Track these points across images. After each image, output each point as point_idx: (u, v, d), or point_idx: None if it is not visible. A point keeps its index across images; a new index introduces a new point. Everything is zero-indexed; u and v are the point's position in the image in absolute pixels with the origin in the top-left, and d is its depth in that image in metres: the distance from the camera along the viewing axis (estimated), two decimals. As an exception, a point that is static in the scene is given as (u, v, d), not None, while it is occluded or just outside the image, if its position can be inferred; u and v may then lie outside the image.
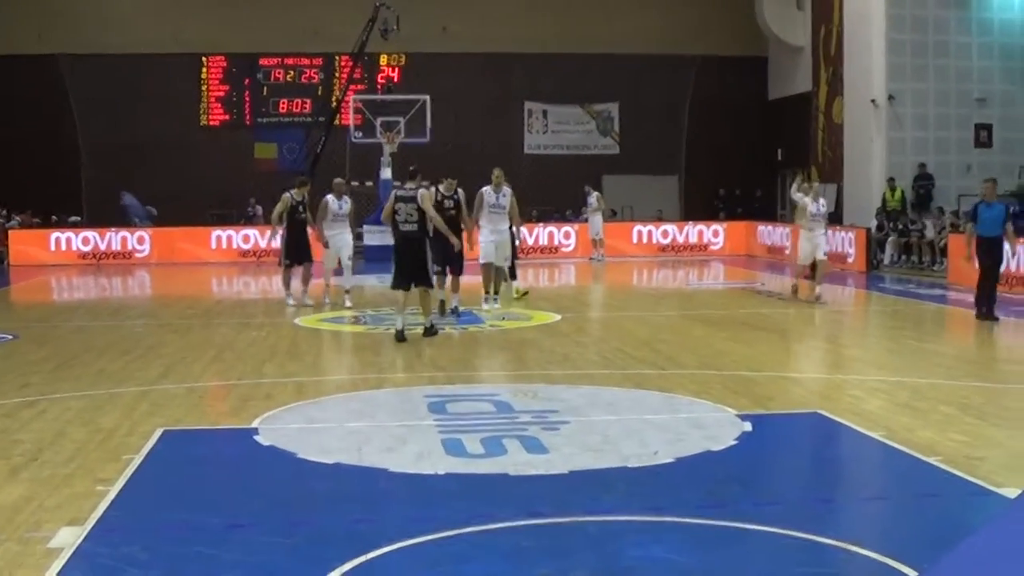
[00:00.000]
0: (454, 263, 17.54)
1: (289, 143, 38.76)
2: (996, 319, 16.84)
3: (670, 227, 35.17)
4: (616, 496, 7.63)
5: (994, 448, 8.85)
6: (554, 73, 38.87)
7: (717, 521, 6.93)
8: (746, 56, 38.95)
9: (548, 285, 25.92)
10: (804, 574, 6.24)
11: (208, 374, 13.20)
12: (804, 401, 11.06)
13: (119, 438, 9.40)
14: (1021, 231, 21.32)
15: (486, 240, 18.38)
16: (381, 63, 38.95)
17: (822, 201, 20.43)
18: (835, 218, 28.56)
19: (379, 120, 33.75)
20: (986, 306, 17.01)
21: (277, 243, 20.54)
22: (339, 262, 19.65)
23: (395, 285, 15.27)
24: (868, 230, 28.24)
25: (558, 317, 18.05)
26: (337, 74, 38.96)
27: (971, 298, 19.87)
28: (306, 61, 39.60)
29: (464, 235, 17.55)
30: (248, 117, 39.50)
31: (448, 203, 17.39)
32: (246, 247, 33.70)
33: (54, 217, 35.93)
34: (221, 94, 39.34)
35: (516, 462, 8.40)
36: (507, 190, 18.40)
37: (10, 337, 16.42)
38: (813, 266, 21.63)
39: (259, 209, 36.05)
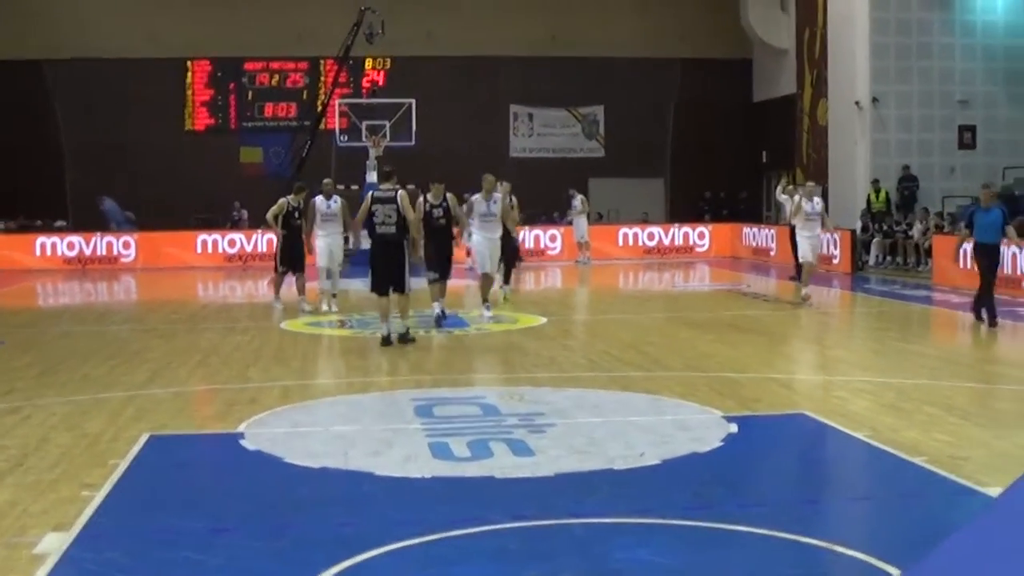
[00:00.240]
0: (445, 269, 17.31)
1: (275, 147, 38.72)
2: (996, 324, 16.34)
3: (656, 229, 35.20)
4: (602, 498, 7.63)
5: (978, 448, 8.89)
6: (539, 77, 38.88)
7: (703, 523, 6.94)
8: (731, 59, 39.02)
9: (534, 288, 25.93)
10: (790, 575, 6.26)
11: (194, 379, 13.18)
12: (790, 402, 11.09)
13: (105, 443, 9.39)
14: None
15: (481, 249, 17.78)
16: (366, 67, 38.94)
17: (816, 200, 20.17)
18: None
19: (365, 124, 33.70)
20: (986, 313, 16.44)
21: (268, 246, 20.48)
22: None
23: (375, 289, 15.08)
24: (853, 231, 28.31)
25: (544, 320, 18.07)
26: (322, 78, 38.92)
27: (956, 299, 19.98)
28: (291, 65, 39.58)
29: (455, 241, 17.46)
30: (233, 121, 39.46)
31: (437, 211, 16.94)
32: (232, 251, 33.66)
33: (38, 222, 35.83)
34: (206, 98, 39.30)
35: (502, 465, 8.40)
36: (497, 196, 17.98)
37: (-5, 343, 16.38)
38: (799, 267, 21.69)
39: (244, 213, 36.02)
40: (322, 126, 36.01)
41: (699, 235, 35.09)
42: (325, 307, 18.95)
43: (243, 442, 9.33)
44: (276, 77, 39.60)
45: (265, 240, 33.55)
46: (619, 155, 39.41)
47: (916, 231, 27.04)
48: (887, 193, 29.62)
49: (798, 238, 20.26)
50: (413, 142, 33.11)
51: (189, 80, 39.16)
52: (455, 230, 17.79)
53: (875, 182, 29.71)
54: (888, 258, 28.09)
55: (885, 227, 28.61)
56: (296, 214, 19.41)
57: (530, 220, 35.42)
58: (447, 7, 38.25)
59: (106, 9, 37.98)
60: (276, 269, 19.98)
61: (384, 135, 33.09)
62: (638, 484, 8.02)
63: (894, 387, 11.72)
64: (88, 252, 33.32)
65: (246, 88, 39.43)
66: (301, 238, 19.49)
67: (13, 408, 11.09)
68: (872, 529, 7.25)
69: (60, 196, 37.36)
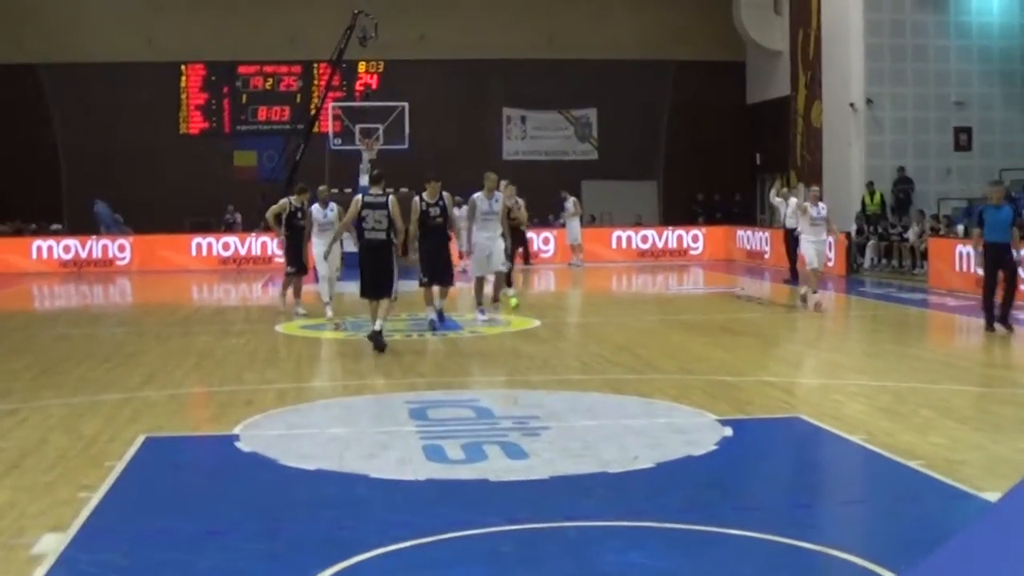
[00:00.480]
0: (444, 275, 16.98)
1: (268, 151, 38.73)
2: (1010, 329, 15.95)
3: (649, 232, 35.22)
4: (596, 501, 7.64)
5: (975, 452, 8.89)
6: (532, 79, 38.91)
7: (697, 526, 6.95)
8: (724, 61, 39.02)
9: (527, 291, 25.92)
10: (784, 578, 6.28)
11: (189, 381, 13.21)
12: (785, 406, 11.10)
13: (101, 445, 9.40)
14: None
15: (479, 251, 17.57)
16: (359, 70, 39.00)
17: (821, 205, 19.75)
18: (814, 222, 28.63)
19: (358, 127, 33.72)
20: (1000, 315, 15.96)
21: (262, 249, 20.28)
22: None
23: (364, 294, 14.98)
24: (848, 234, 28.34)
25: (537, 323, 18.07)
26: (316, 81, 38.96)
27: (952, 302, 19.99)
28: (285, 69, 39.61)
29: (452, 244, 17.13)
30: (227, 125, 39.48)
31: (434, 211, 16.56)
32: (226, 254, 33.68)
33: (33, 225, 35.82)
34: (200, 102, 39.32)
35: (497, 468, 8.41)
36: (499, 195, 17.80)
37: (-10, 345, 16.39)
38: (794, 271, 21.67)
39: (238, 216, 36.04)
40: (315, 129, 36.05)
41: (693, 238, 35.12)
42: (330, 313, 18.46)
43: (238, 444, 9.34)
44: (270, 81, 39.63)
45: (259, 243, 33.60)
46: (612, 157, 39.43)
47: (912, 234, 27.07)
48: (882, 195, 29.65)
49: (803, 243, 19.92)
50: (406, 145, 33.13)
51: (183, 84, 39.18)
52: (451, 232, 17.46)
53: (869, 184, 29.75)
54: (883, 261, 28.13)
55: (880, 230, 28.65)
56: (299, 215, 19.15)
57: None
58: (440, 10, 38.27)
59: (102, 13, 37.97)
60: (286, 272, 19.63)
61: (377, 138, 33.12)
62: (632, 487, 8.03)
63: (890, 390, 11.74)
64: (84, 255, 33.34)
65: (240, 92, 39.46)
66: (302, 239, 19.24)
67: (10, 410, 11.11)
68: (867, 533, 7.26)
69: (56, 199, 37.39)
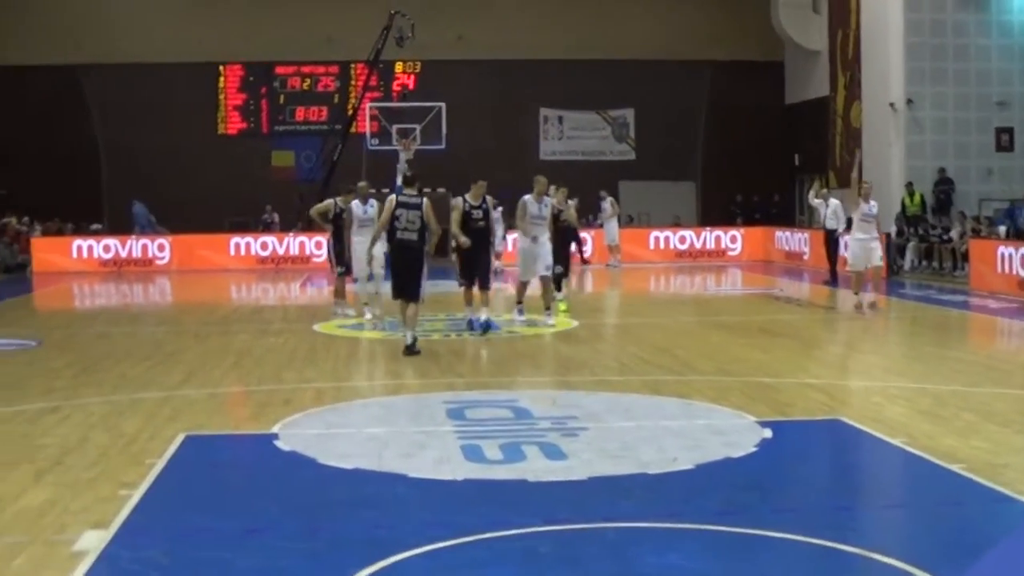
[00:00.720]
0: (482, 279, 16.63)
1: (306, 151, 38.88)
2: None
3: (687, 233, 35.14)
4: (635, 502, 7.62)
5: (1018, 455, 8.81)
6: (569, 79, 38.86)
7: (736, 528, 6.93)
8: (762, 61, 38.86)
9: (565, 291, 25.86)
10: (824, 581, 6.25)
11: (228, 380, 13.27)
12: (824, 408, 11.01)
13: (142, 443, 9.46)
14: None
15: (525, 255, 17.26)
16: (397, 71, 39.08)
17: (873, 203, 19.04)
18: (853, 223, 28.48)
19: (395, 127, 33.83)
20: None
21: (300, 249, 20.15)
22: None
23: (396, 295, 14.72)
24: (888, 235, 28.15)
25: (575, 323, 18.03)
26: (353, 82, 39.06)
27: (993, 304, 19.81)
28: (322, 69, 39.75)
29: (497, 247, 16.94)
30: (265, 125, 39.66)
31: (477, 213, 16.30)
32: (264, 254, 33.83)
33: (69, 225, 36.10)
34: (238, 102, 39.51)
35: (535, 468, 8.40)
36: (548, 199, 17.46)
37: (33, 344, 16.52)
38: (833, 272, 21.37)
39: (276, 216, 36.21)
40: (353, 130, 36.16)
41: (731, 239, 35.00)
42: (369, 314, 18.14)
43: (277, 443, 9.37)
44: (307, 81, 39.77)
45: (297, 243, 33.74)
46: (650, 158, 39.35)
47: (955, 234, 26.85)
48: (922, 196, 29.44)
49: (851, 241, 19.35)
50: (443, 145, 33.23)
51: (222, 84, 39.38)
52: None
53: (908, 185, 29.53)
54: (923, 262, 27.93)
55: (920, 231, 28.45)
56: (344, 215, 18.99)
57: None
58: (477, 11, 38.29)
59: (141, 15, 38.23)
60: (334, 272, 19.37)
61: (414, 139, 33.22)
62: (671, 488, 8.00)
63: (931, 393, 11.64)
64: (124, 254, 33.59)
65: (278, 92, 39.63)
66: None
67: (53, 407, 11.20)
68: (908, 537, 7.20)
69: (96, 199, 37.69)
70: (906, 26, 29.89)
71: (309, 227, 34.08)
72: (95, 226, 36.21)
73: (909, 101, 29.94)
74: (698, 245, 34.70)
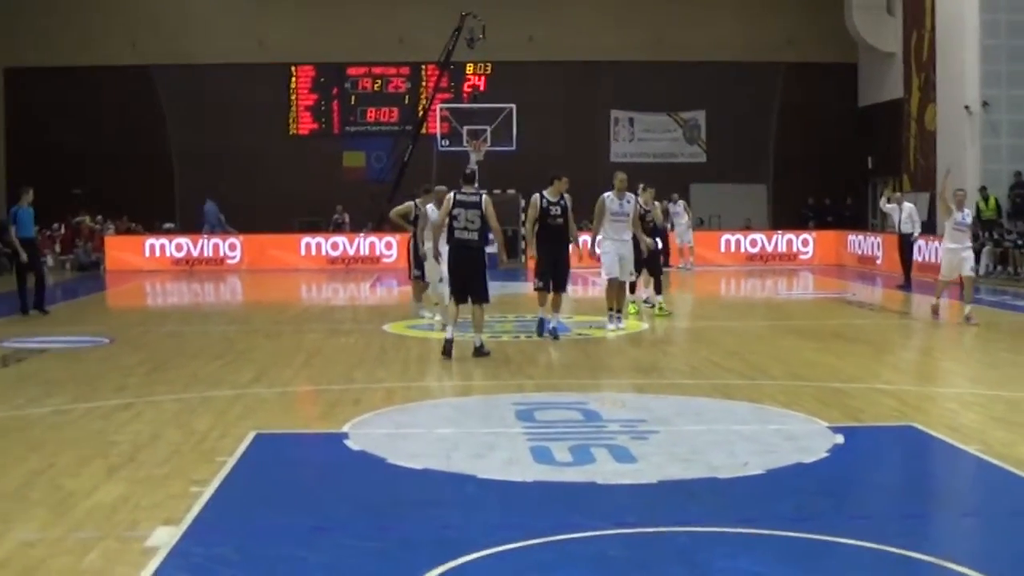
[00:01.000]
0: (561, 280, 16.08)
1: (377, 152, 39.10)
2: None
3: (758, 236, 34.96)
4: (705, 507, 7.58)
5: (1093, 464, 8.66)
6: (640, 81, 38.78)
7: (807, 534, 6.85)
8: (836, 63, 38.60)
9: (636, 294, 25.79)
10: (897, 589, 6.17)
11: (299, 379, 13.36)
12: (897, 414, 10.87)
13: (213, 440, 9.54)
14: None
15: (610, 253, 16.69)
16: (467, 72, 39.17)
17: (967, 211, 18.45)
18: (927, 227, 28.18)
19: (465, 129, 33.93)
20: None
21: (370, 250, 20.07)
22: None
23: (454, 296, 14.41)
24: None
25: (646, 326, 17.97)
26: (424, 83, 39.22)
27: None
28: (393, 70, 39.95)
29: (572, 247, 16.15)
30: (336, 126, 39.93)
31: (555, 210, 15.71)
32: (335, 254, 34.06)
33: (133, 224, 36.56)
34: (310, 103, 39.80)
35: (604, 471, 8.38)
36: (632, 196, 16.99)
37: (106, 341, 16.72)
38: (908, 277, 20.98)
39: (346, 217, 36.41)
40: (423, 131, 36.29)
41: (803, 242, 34.75)
42: (438, 316, 18.17)
43: (347, 442, 9.41)
44: (378, 82, 39.98)
45: (367, 243, 33.92)
46: (721, 160, 39.16)
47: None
48: (996, 200, 29.04)
49: (944, 251, 18.74)
50: (514, 147, 33.28)
51: (294, 85, 39.69)
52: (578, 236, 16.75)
53: (982, 189, 29.13)
54: (998, 267, 27.54)
55: (995, 235, 28.06)
56: (419, 218, 18.88)
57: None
58: (548, 12, 38.30)
59: (213, 15, 38.66)
60: (410, 275, 19.31)
61: (485, 140, 33.30)
62: (741, 493, 7.94)
63: (1005, 400, 11.47)
64: (195, 253, 33.97)
65: (349, 93, 39.87)
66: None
67: (125, 404, 11.33)
68: (983, 546, 7.09)
69: (169, 199, 38.14)
70: (982, 27, 29.51)
71: (380, 227, 34.35)
72: (168, 225, 36.67)
73: (985, 104, 29.55)
74: (769, 248, 34.48)
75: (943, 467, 9.35)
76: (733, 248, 34.49)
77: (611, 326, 16.76)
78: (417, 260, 18.60)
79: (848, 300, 23.39)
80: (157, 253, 34.12)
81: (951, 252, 18.15)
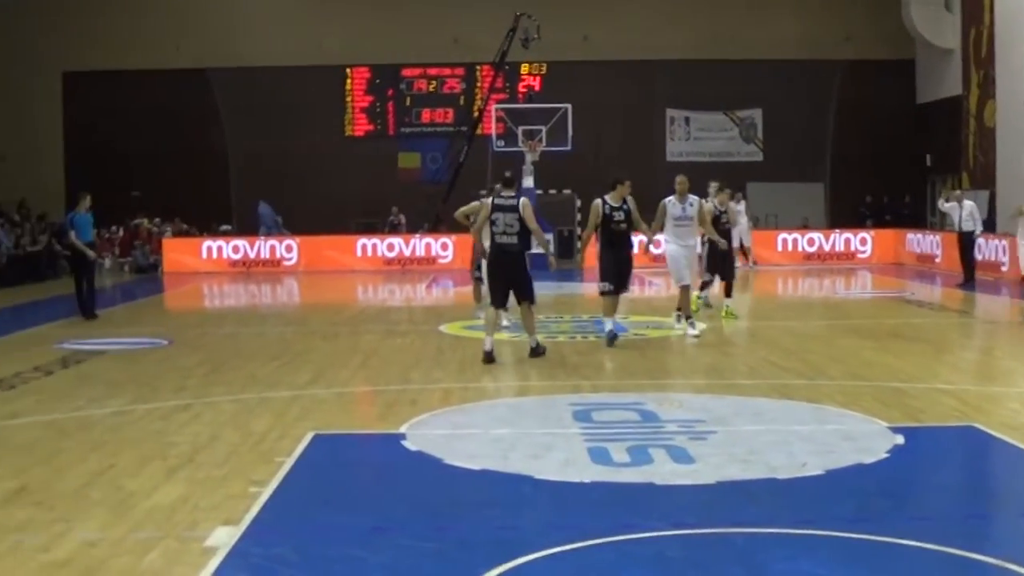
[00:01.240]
0: (623, 281, 15.58)
1: (432, 152, 39.19)
2: None
3: (816, 235, 34.70)
4: (764, 508, 7.54)
5: None
6: (696, 80, 38.60)
7: (868, 536, 6.79)
8: (893, 60, 38.23)
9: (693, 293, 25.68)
10: (960, 591, 6.09)
11: (356, 380, 13.41)
12: (958, 414, 10.74)
13: (271, 441, 9.59)
14: None
15: (675, 257, 16.39)
16: (522, 72, 39.15)
17: None
18: (988, 225, 27.85)
19: (521, 129, 33.91)
20: None
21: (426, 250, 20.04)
22: None
23: (494, 301, 14.30)
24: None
25: (703, 326, 17.86)
26: (479, 83, 39.26)
27: None
28: (448, 71, 40.01)
29: (640, 245, 15.75)
30: (391, 127, 40.05)
31: (618, 215, 15.12)
32: (390, 255, 34.14)
33: (184, 226, 36.86)
34: (365, 104, 39.95)
35: (662, 471, 8.34)
36: (695, 199, 16.47)
37: (165, 343, 16.86)
38: (969, 276, 20.70)
39: (402, 218, 36.53)
40: (478, 131, 36.31)
41: (861, 241, 34.45)
42: (505, 320, 17.99)
43: (405, 443, 9.43)
44: (433, 83, 40.06)
45: (423, 244, 33.99)
46: (778, 159, 38.91)
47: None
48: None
49: (1020, 251, 18.27)
50: (569, 147, 33.23)
51: (349, 86, 39.85)
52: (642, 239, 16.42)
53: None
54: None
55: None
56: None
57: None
58: (603, 12, 38.23)
59: (268, 18, 38.92)
60: (473, 275, 19.06)
61: (540, 140, 33.26)
62: (801, 494, 7.89)
63: (1068, 399, 11.33)
64: (252, 255, 34.15)
65: (404, 94, 39.99)
66: None
67: (184, 405, 11.42)
68: (1046, 547, 7.00)
69: (225, 201, 38.42)
70: (1043, 22, 29.15)
71: (436, 228, 34.44)
72: (224, 227, 36.94)
73: (1045, 99, 29.16)
74: (827, 247, 34.21)
75: (1005, 467, 9.23)
76: (790, 247, 34.25)
77: (692, 332, 16.27)
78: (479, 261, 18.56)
79: (907, 299, 23.17)
80: (214, 255, 34.35)
81: None
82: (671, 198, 16.35)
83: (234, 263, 33.99)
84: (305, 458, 8.99)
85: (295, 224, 35.45)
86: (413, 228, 35.70)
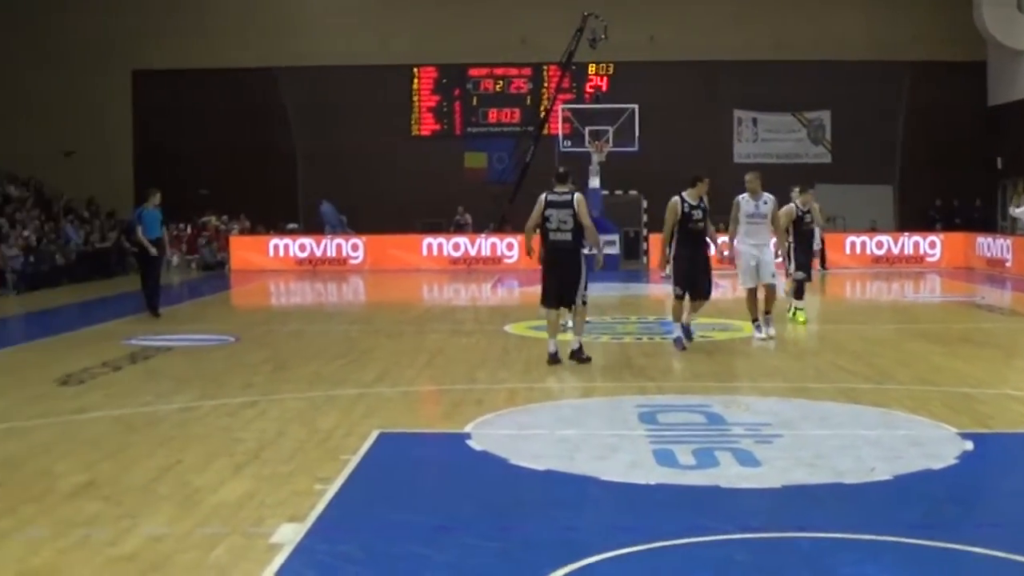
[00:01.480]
0: (702, 287, 15.04)
1: (498, 152, 39.24)
2: None
3: (884, 238, 34.41)
4: (830, 512, 7.46)
5: None
6: (764, 81, 38.38)
7: (936, 542, 6.71)
8: (964, 61, 37.80)
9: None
10: (1031, 599, 6.00)
11: (421, 378, 13.44)
12: (1029, 420, 10.63)
13: (337, 439, 9.63)
14: None
15: (745, 258, 15.98)
16: (589, 72, 39.12)
17: None
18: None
19: (587, 129, 33.90)
20: None
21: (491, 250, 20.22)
22: None
23: (544, 303, 13.94)
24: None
25: (772, 331, 17.72)
26: (545, 84, 39.26)
27: None
28: (515, 71, 40.05)
29: (716, 249, 15.32)
30: (458, 127, 40.15)
31: (696, 214, 14.79)
32: (456, 255, 34.24)
33: (248, 223, 37.14)
34: (432, 104, 40.08)
35: (728, 474, 8.29)
36: (768, 197, 16.00)
37: (232, 339, 17.01)
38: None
39: (468, 217, 36.62)
40: (545, 131, 36.30)
41: (930, 244, 34.12)
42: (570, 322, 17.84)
43: (470, 442, 9.44)
44: (500, 83, 40.12)
45: (489, 244, 34.05)
46: (846, 161, 38.60)
47: None
48: None
49: None
50: (636, 147, 33.15)
51: (416, 86, 39.99)
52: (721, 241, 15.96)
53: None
54: None
55: None
56: None
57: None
58: (670, 12, 38.12)
59: (336, 18, 39.14)
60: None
61: (607, 140, 33.23)
62: (868, 500, 7.81)
63: None
64: (318, 253, 34.38)
65: (471, 94, 40.08)
66: None
67: (250, 402, 11.50)
68: (1121, 555, 6.88)
69: (292, 199, 38.70)
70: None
71: (502, 228, 34.49)
72: (291, 225, 37.20)
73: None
74: (895, 250, 33.92)
75: (1078, 476, 9.08)
76: (858, 250, 34.00)
77: (759, 335, 16.00)
78: None
79: (977, 304, 22.88)
80: (281, 253, 34.63)
81: None
82: (744, 195, 16.03)
83: (300, 261, 34.24)
84: (370, 456, 9.02)
85: (361, 223, 35.63)
86: (479, 228, 35.77)
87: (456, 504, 7.77)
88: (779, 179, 33.10)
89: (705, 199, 14.94)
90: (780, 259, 17.21)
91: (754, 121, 39.57)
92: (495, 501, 7.86)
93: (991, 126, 37.73)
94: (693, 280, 14.92)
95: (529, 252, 14.28)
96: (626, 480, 8.17)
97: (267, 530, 7.02)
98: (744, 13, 38.14)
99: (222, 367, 14.27)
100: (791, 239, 17.68)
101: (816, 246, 21.29)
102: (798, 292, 18.17)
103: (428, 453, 9.59)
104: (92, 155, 38.31)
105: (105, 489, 8.06)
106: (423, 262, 34.04)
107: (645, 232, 35.63)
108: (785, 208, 17.35)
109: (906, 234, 34.66)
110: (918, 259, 33.78)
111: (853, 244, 34.10)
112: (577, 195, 13.66)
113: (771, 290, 15.98)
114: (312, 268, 33.82)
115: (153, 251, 19.98)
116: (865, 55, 37.74)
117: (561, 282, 13.64)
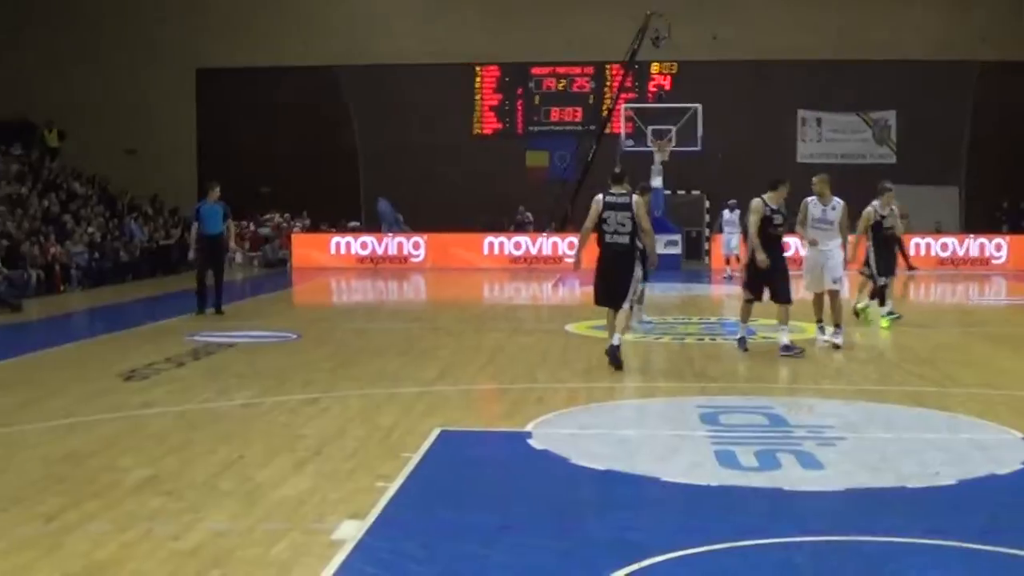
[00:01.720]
0: (781, 291, 14.78)
1: (560, 151, 39.18)
2: None
3: (949, 240, 34.05)
4: (894, 516, 7.38)
5: None
6: (828, 80, 38.05)
7: (1001, 548, 6.62)
8: (1033, 61, 37.30)
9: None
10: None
11: (482, 377, 13.45)
12: (1098, 425, 10.45)
13: (397, 436, 9.66)
14: None
15: (811, 261, 15.71)
16: (652, 71, 38.99)
17: None
18: None
19: (650, 129, 33.78)
20: None
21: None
22: None
23: (599, 302, 13.64)
24: None
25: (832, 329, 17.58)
26: (608, 83, 39.19)
27: None
28: (577, 70, 39.99)
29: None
30: (520, 125, 40.14)
31: (777, 217, 14.62)
32: (517, 254, 34.26)
33: (308, 221, 37.33)
34: (494, 103, 40.11)
35: (790, 477, 8.24)
36: (837, 201, 15.61)
37: (294, 336, 17.11)
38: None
39: (529, 216, 36.62)
40: (607, 130, 36.23)
41: (996, 246, 33.73)
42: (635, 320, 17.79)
43: (530, 441, 9.43)
44: (562, 82, 40.08)
45: (550, 243, 34.03)
46: (912, 161, 38.15)
47: None
48: None
49: None
50: (699, 147, 32.98)
51: (478, 85, 40.04)
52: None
53: None
54: None
55: None
56: None
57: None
58: (733, 11, 37.90)
59: (398, 16, 39.28)
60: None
61: (670, 140, 33.10)
62: (932, 504, 7.73)
63: None
64: (380, 252, 34.53)
65: (533, 93, 40.06)
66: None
67: (312, 399, 11.56)
68: None
69: (354, 197, 38.89)
70: None
71: (563, 227, 34.46)
72: (353, 223, 37.39)
73: None
74: (961, 253, 33.57)
75: None
76: (923, 252, 33.63)
77: (822, 337, 15.68)
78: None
79: (1045, 307, 22.60)
80: (342, 251, 34.84)
81: None
82: (813, 198, 15.68)
83: (362, 259, 34.41)
84: (431, 454, 9.04)
85: (422, 221, 35.73)
86: (540, 227, 35.76)
87: (517, 503, 7.77)
88: (843, 180, 32.71)
89: (783, 204, 14.68)
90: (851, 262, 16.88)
91: (818, 121, 39.25)
92: (555, 500, 7.85)
93: (1060, 127, 37.21)
94: (771, 285, 14.65)
95: (577, 265, 14.18)
96: (687, 481, 8.13)
97: (328, 527, 7.05)
98: (807, 12, 37.84)
99: (284, 364, 14.34)
100: (870, 243, 17.41)
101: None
102: (880, 297, 17.86)
103: (489, 452, 9.58)
104: (156, 153, 38.71)
105: (168, 484, 8.13)
106: (484, 261, 34.10)
107: (707, 232, 35.49)
108: (865, 211, 17.10)
109: (972, 236, 34.28)
110: (983, 261, 33.40)
111: (918, 246, 33.73)
112: (636, 197, 13.42)
113: (835, 296, 15.65)
114: (373, 266, 33.99)
115: (192, 253, 19.56)
116: (932, 55, 37.32)
117: (613, 283, 13.35)
